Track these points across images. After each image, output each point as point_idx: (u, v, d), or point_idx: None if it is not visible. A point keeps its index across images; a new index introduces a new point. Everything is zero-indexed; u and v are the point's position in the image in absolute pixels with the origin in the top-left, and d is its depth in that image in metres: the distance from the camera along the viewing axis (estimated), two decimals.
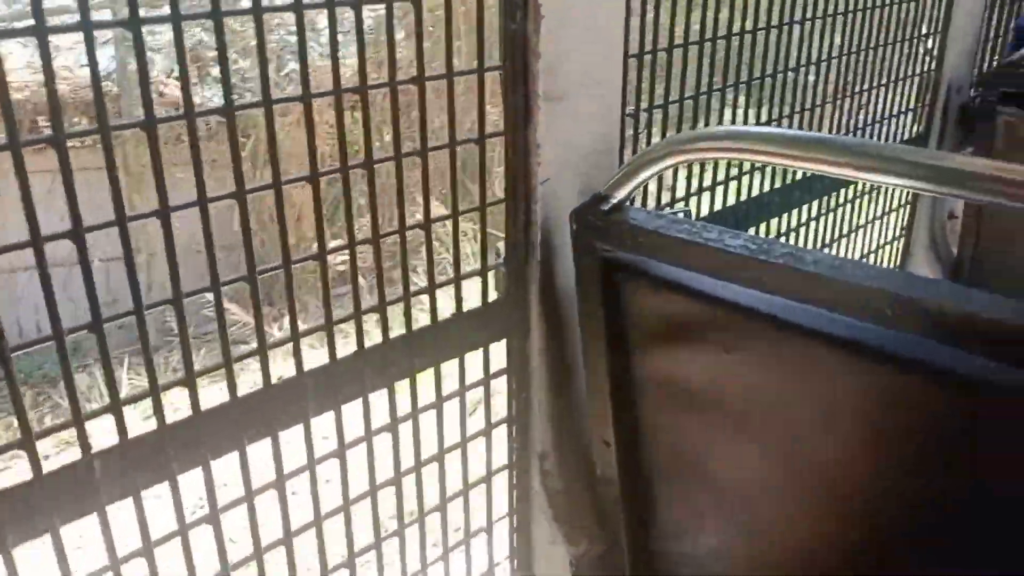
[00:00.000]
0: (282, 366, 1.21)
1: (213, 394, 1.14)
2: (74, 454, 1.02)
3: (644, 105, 1.71)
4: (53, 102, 0.85)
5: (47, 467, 0.98)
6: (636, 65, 1.65)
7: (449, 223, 1.40)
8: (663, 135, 1.80)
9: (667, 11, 1.70)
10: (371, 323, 1.33)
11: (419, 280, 1.43)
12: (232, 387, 1.15)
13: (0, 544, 0.97)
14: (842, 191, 2.56)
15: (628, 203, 1.32)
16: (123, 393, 1.04)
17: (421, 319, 1.42)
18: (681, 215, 1.41)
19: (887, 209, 2.81)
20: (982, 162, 0.94)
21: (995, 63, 3.04)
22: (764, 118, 2.18)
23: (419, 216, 1.35)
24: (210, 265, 1.07)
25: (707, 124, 1.94)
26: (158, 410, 1.07)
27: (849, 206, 2.62)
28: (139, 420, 1.20)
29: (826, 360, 1.12)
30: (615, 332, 1.42)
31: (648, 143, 1.75)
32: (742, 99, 2.04)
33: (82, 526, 1.06)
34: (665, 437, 1.49)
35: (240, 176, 1.08)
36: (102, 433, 1.04)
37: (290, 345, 1.23)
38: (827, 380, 1.17)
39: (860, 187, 2.64)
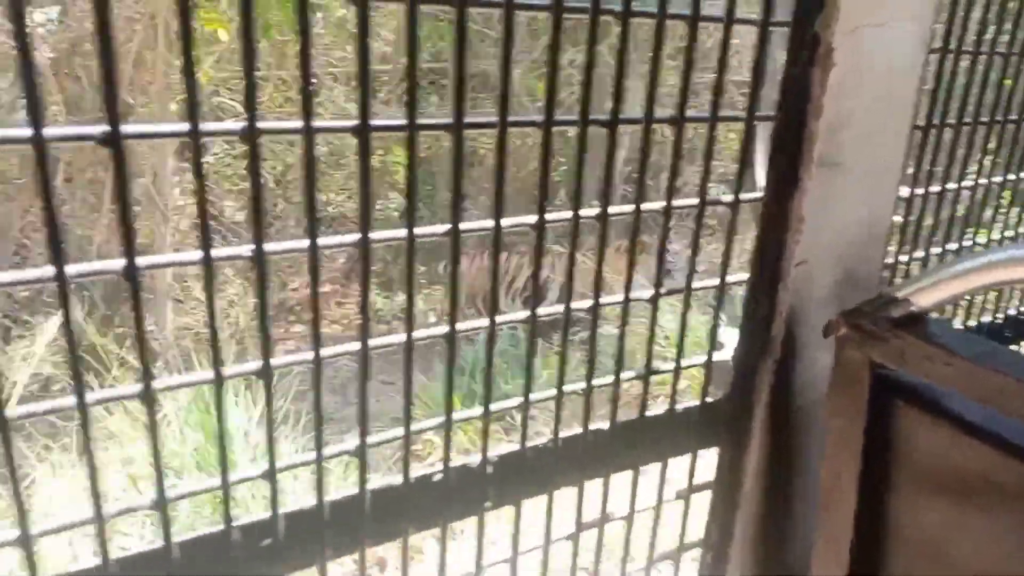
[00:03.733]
0: (461, 447, 0.99)
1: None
2: None
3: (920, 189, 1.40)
4: None
5: None
6: (919, 139, 1.35)
7: (677, 299, 1.15)
8: (935, 226, 1.48)
9: (962, 78, 1.40)
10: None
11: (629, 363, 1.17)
12: (406, 471, 0.94)
13: None
14: None
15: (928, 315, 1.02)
16: None
17: (622, 411, 1.17)
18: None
19: None
20: None
21: None
22: None
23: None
24: None
25: (991, 220, 1.60)
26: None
27: None
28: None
29: None
30: (874, 465, 1.11)
31: (916, 237, 1.44)
32: None
33: None
34: None
35: None
36: None
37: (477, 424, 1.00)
38: None
39: None
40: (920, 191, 1.41)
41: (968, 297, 1.57)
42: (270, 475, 0.83)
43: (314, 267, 0.77)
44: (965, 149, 1.47)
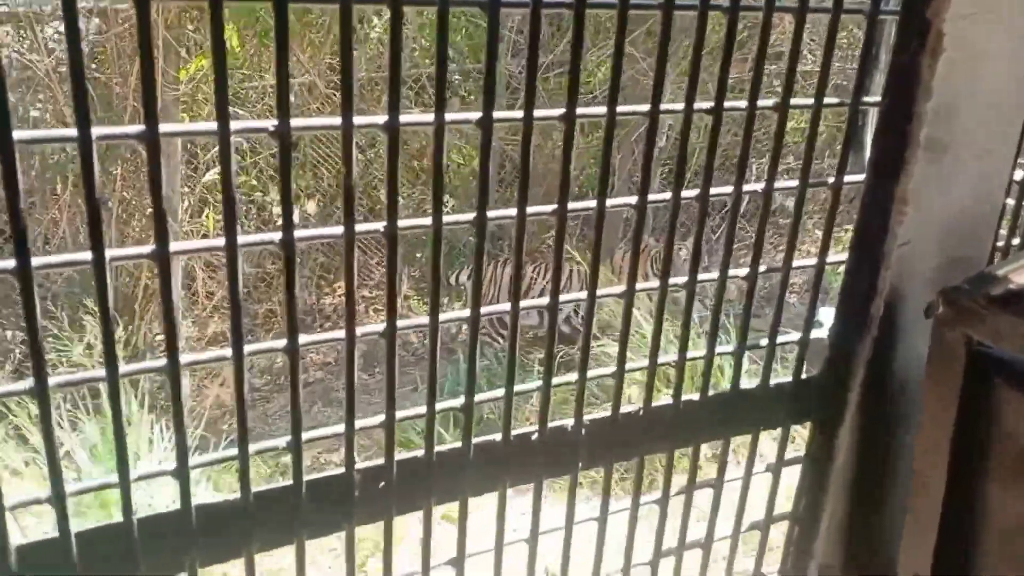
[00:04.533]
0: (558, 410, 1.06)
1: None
2: None
3: None
4: None
5: None
6: None
7: (776, 277, 1.18)
8: None
9: None
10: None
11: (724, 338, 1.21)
12: (507, 426, 1.02)
13: None
14: None
15: None
16: None
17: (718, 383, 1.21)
18: None
19: None
20: None
21: None
22: None
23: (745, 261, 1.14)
24: None
25: None
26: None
27: None
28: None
29: None
30: (967, 448, 1.12)
31: None
32: None
33: None
34: None
35: None
36: None
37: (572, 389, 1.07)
38: None
39: None
40: None
41: None
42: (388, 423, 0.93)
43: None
44: None
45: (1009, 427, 1.07)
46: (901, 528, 1.25)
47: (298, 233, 0.78)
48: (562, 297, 1.01)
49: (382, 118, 0.77)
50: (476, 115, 0.83)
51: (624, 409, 1.13)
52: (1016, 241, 1.42)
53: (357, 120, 0.76)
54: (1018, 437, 1.06)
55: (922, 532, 1.21)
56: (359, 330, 0.85)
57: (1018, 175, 1.34)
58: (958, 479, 1.15)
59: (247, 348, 0.80)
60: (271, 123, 0.73)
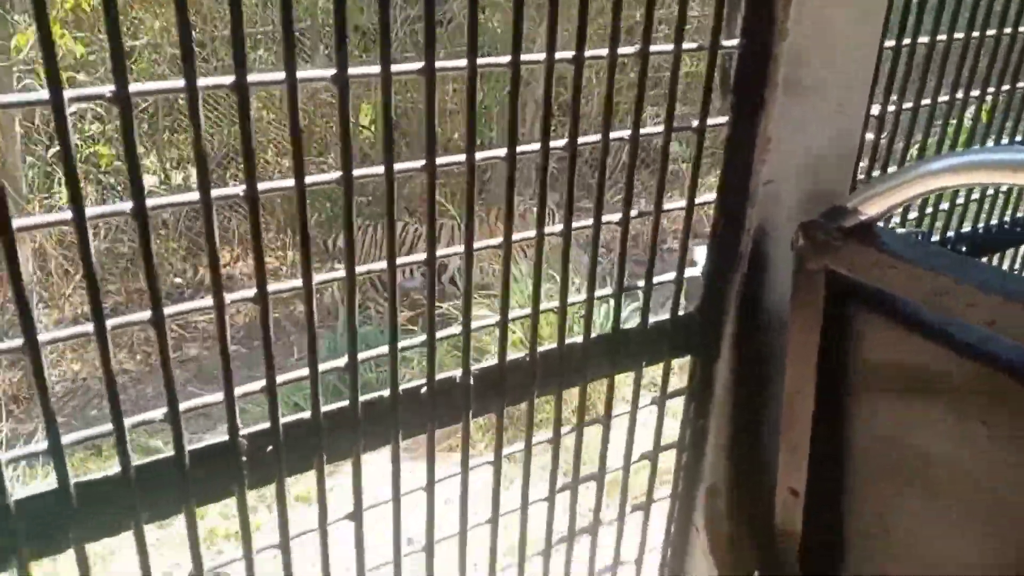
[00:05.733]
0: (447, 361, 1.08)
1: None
2: None
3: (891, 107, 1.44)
4: None
5: None
6: (890, 58, 1.38)
7: (647, 221, 1.22)
8: (907, 143, 1.53)
9: None
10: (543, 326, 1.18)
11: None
12: (394, 382, 1.03)
13: None
14: None
15: (879, 223, 1.09)
16: None
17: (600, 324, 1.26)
18: (918, 235, 1.16)
19: None
20: None
21: None
22: None
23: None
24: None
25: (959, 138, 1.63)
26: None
27: None
28: None
29: None
30: (831, 370, 1.20)
31: (888, 153, 1.48)
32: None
33: None
34: (870, 503, 1.25)
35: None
36: None
37: (458, 340, 1.09)
38: None
39: None
40: (892, 108, 1.45)
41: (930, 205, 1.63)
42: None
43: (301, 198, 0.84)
44: (939, 65, 1.50)
45: (867, 350, 1.15)
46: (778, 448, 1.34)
47: (151, 202, 0.76)
48: (439, 252, 1.02)
49: (229, 78, 0.76)
50: (330, 72, 0.82)
51: (511, 356, 1.16)
52: (876, 173, 1.51)
53: (203, 81, 0.74)
54: (873, 357, 1.14)
55: (794, 451, 1.30)
56: (228, 296, 0.85)
57: (875, 110, 1.41)
58: (825, 400, 1.23)
59: (109, 322, 0.79)
60: (108, 88, 0.70)
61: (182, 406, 0.89)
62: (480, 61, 0.92)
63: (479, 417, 1.16)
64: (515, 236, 1.07)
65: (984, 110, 1.64)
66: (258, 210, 0.82)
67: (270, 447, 0.97)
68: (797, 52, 1.17)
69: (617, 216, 1.16)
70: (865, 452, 1.24)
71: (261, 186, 0.81)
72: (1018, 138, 1.79)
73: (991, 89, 1.64)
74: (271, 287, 0.87)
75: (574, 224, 1.11)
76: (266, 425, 0.96)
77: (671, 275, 1.28)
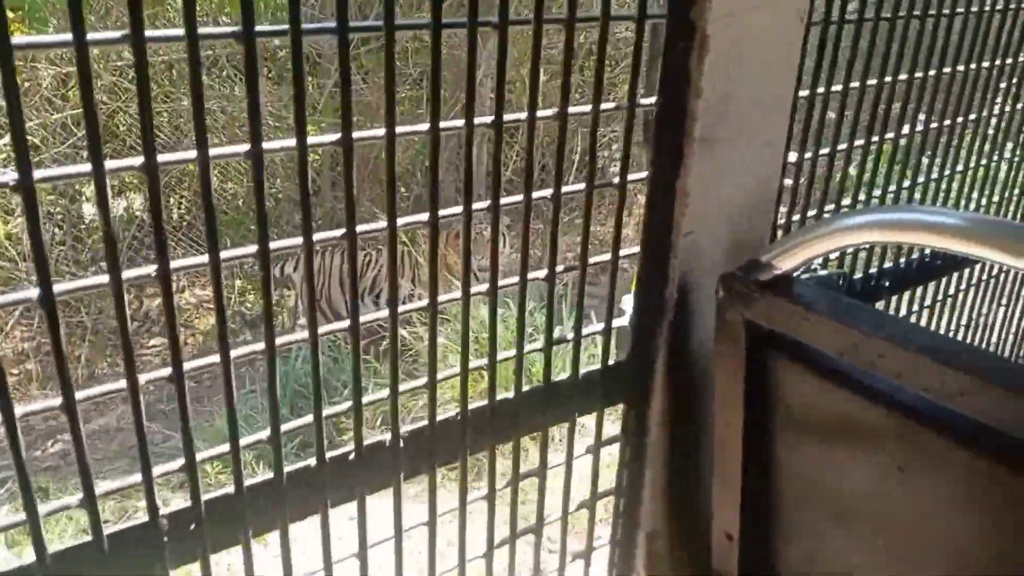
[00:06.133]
0: (375, 427, 1.07)
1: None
2: None
3: (808, 155, 1.49)
4: None
5: None
6: (805, 107, 1.43)
7: (574, 275, 1.23)
8: (825, 191, 1.58)
9: (846, 46, 1.47)
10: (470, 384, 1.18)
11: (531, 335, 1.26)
12: (320, 451, 1.02)
13: None
14: None
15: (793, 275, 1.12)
16: None
17: (533, 375, 1.27)
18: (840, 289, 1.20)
19: None
20: None
21: None
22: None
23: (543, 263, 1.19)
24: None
25: (880, 185, 1.69)
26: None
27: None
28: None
29: None
30: (757, 414, 1.22)
31: (808, 198, 1.53)
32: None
33: None
34: (801, 543, 1.28)
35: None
36: None
37: (385, 404, 1.09)
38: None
39: None
40: (808, 155, 1.50)
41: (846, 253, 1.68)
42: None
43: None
44: (853, 112, 1.56)
45: (789, 396, 1.18)
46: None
47: (59, 287, 0.75)
48: (373, 316, 1.02)
49: (138, 159, 0.76)
50: (244, 148, 0.83)
51: (440, 416, 1.16)
52: (796, 218, 1.55)
53: (110, 164, 0.74)
54: (794, 403, 1.17)
55: (727, 494, 1.32)
56: (142, 377, 0.84)
57: (792, 157, 1.46)
58: (753, 444, 1.26)
59: (18, 409, 0.77)
60: (11, 176, 0.70)
61: (98, 490, 0.87)
62: (399, 130, 0.93)
63: (410, 480, 1.15)
64: (441, 299, 1.07)
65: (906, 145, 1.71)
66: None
67: (193, 525, 0.95)
68: (712, 108, 1.21)
69: (543, 273, 1.17)
70: (793, 493, 1.26)
71: (175, 263, 0.80)
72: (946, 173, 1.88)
73: (905, 130, 1.70)
74: (186, 365, 0.86)
75: (500, 282, 1.12)
76: (186, 504, 0.94)
77: (599, 326, 1.29)
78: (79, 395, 0.80)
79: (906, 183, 1.79)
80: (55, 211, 5.91)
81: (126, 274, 0.78)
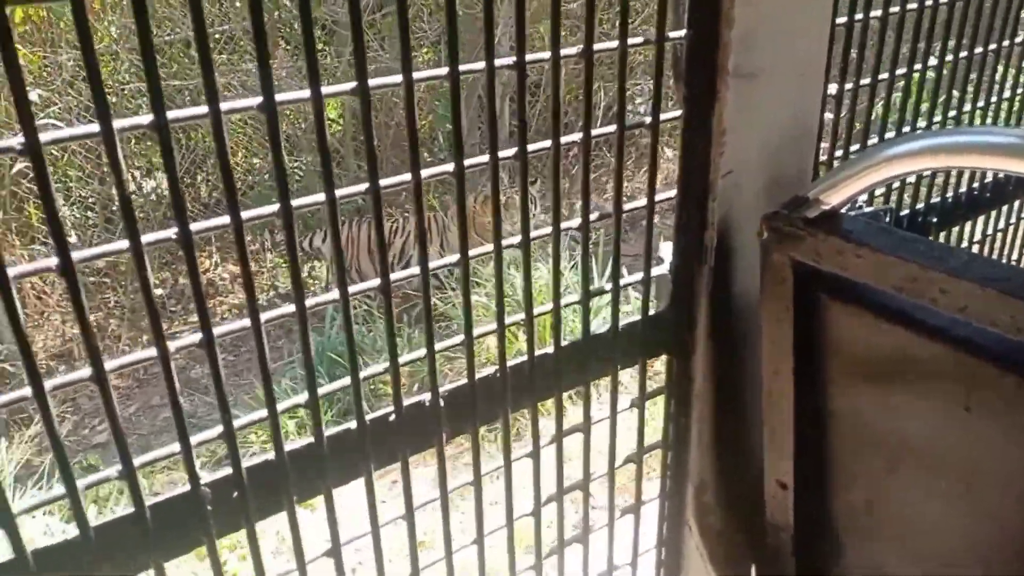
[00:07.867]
0: (411, 393, 1.05)
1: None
2: None
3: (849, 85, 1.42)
4: None
5: None
6: (844, 35, 1.36)
7: (604, 235, 1.19)
8: (867, 122, 1.51)
9: None
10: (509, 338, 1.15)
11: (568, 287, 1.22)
12: (360, 413, 1.00)
13: None
14: None
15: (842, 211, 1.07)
16: None
17: (571, 331, 1.23)
18: (886, 219, 1.14)
19: None
20: None
21: None
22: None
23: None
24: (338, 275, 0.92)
25: (925, 115, 1.62)
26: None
27: None
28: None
29: None
30: (807, 359, 1.18)
31: (849, 132, 1.46)
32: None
33: None
34: (858, 489, 1.24)
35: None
36: None
37: (421, 369, 1.06)
38: None
39: None
40: (849, 86, 1.43)
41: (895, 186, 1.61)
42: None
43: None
44: (894, 40, 1.48)
45: (838, 337, 1.13)
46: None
47: (76, 255, 0.73)
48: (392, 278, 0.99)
49: (147, 117, 0.73)
50: (257, 100, 0.79)
51: (480, 374, 1.13)
52: (839, 153, 1.49)
53: (118, 124, 0.71)
54: (846, 345, 1.12)
55: (778, 442, 1.28)
56: (172, 344, 0.81)
57: (832, 89, 1.39)
58: (805, 390, 1.21)
59: (48, 383, 0.75)
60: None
61: (136, 461, 0.85)
62: (415, 76, 0.89)
63: (453, 440, 1.13)
64: (472, 252, 1.04)
65: (942, 75, 1.63)
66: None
67: (235, 493, 0.94)
68: (746, 38, 1.15)
69: (577, 222, 1.13)
70: (849, 439, 1.22)
71: (197, 226, 0.78)
72: (980, 104, 1.78)
73: (949, 58, 1.62)
74: (217, 330, 0.84)
75: (532, 234, 1.08)
76: (228, 471, 0.92)
77: (638, 276, 1.25)
78: (108, 365, 0.78)
79: (952, 113, 1.71)
80: (86, 194, 5.96)
81: (146, 238, 0.76)
